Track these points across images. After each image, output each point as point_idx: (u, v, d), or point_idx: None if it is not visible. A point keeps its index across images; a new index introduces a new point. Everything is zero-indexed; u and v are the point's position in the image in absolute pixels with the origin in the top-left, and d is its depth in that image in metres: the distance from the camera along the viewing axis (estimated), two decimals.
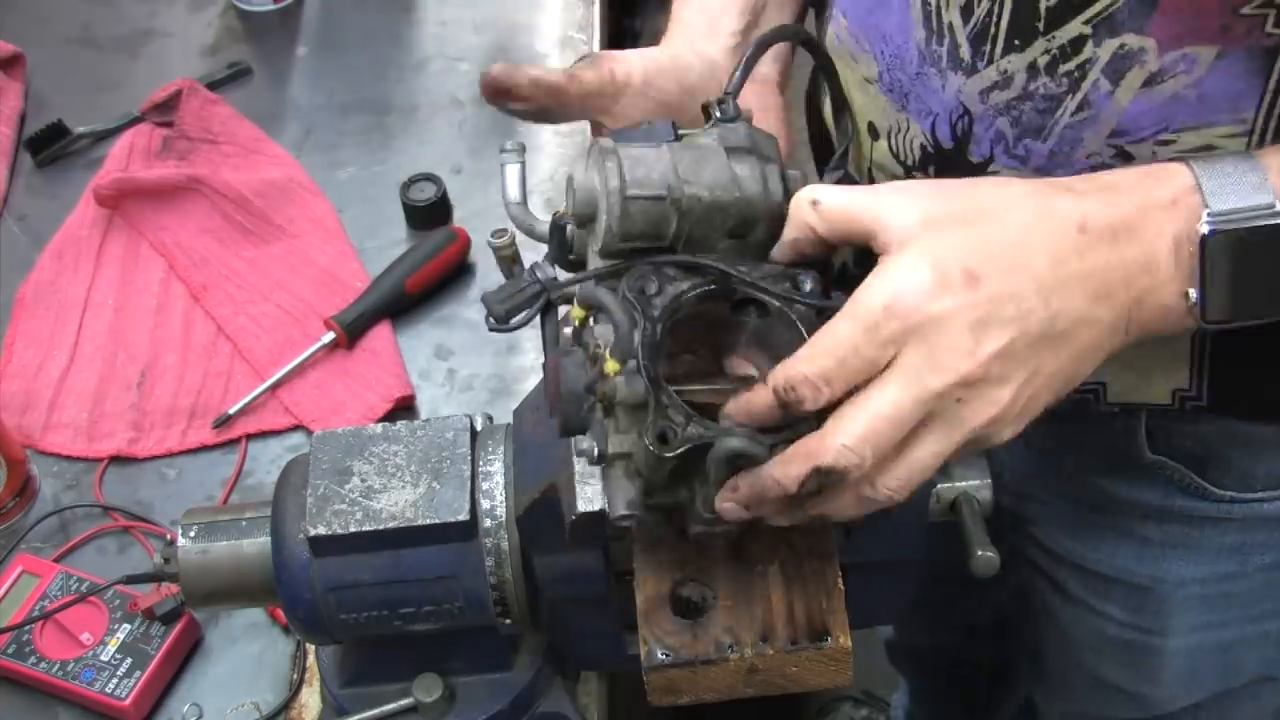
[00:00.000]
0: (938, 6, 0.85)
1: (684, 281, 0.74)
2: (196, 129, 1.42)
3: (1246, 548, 1.02)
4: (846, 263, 0.77)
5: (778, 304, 0.74)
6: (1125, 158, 0.82)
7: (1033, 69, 0.82)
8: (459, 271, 1.32)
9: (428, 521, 0.83)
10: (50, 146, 1.44)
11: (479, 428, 0.89)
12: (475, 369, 1.26)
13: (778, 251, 0.76)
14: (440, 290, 1.31)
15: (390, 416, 1.19)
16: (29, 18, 1.59)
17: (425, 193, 1.36)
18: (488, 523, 0.84)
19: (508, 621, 0.86)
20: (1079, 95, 0.81)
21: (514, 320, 0.79)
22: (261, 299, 1.29)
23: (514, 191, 0.87)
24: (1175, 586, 1.06)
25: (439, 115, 1.47)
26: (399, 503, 0.83)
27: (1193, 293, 0.73)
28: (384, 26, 1.57)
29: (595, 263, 0.77)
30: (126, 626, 1.05)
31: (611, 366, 0.70)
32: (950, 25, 0.85)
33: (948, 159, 0.90)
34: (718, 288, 0.75)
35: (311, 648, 1.03)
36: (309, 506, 0.84)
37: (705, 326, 0.77)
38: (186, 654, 1.07)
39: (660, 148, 0.76)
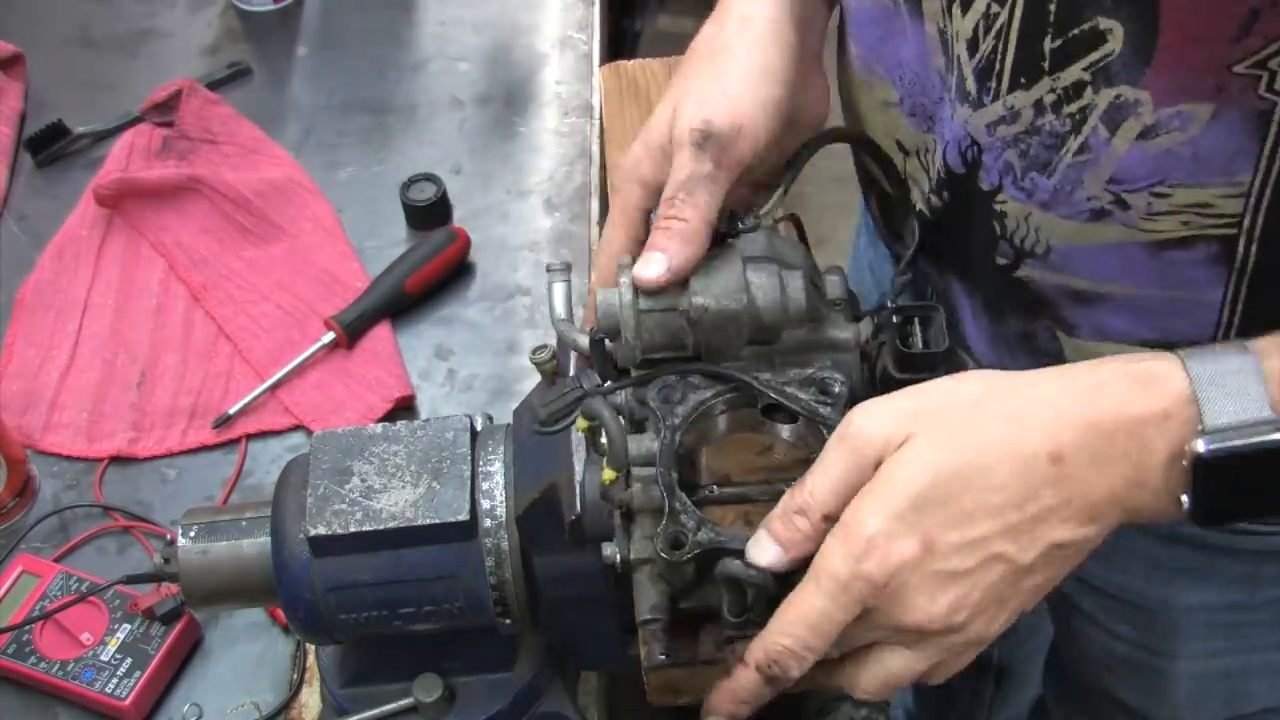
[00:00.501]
0: (950, 37, 0.85)
1: (707, 390, 0.78)
2: (196, 129, 1.42)
3: (1257, 579, 1.02)
4: (887, 366, 0.78)
5: (803, 412, 0.77)
6: (1122, 205, 0.81)
7: (1039, 106, 0.82)
8: (459, 272, 1.32)
9: (428, 521, 0.83)
10: (50, 146, 1.43)
11: (479, 428, 0.89)
12: (475, 369, 1.26)
13: (780, 566, 0.75)
14: (440, 290, 1.31)
15: (390, 416, 1.19)
16: (29, 18, 1.59)
17: (425, 193, 1.36)
18: (488, 523, 0.84)
19: (508, 621, 0.86)
20: (1080, 138, 0.81)
21: (558, 425, 0.82)
22: (261, 299, 1.29)
23: (561, 309, 0.89)
24: (1183, 612, 1.06)
25: (439, 115, 1.47)
26: (399, 503, 0.83)
27: (1185, 500, 0.72)
28: (384, 26, 1.57)
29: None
30: (126, 626, 1.05)
31: (607, 475, 0.75)
32: (958, 58, 0.85)
33: (959, 184, 0.90)
34: (741, 394, 0.78)
35: (311, 648, 1.03)
36: (309, 506, 0.84)
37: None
38: (186, 654, 1.07)
39: None
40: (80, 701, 1.03)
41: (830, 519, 0.73)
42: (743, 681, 0.75)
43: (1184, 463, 0.71)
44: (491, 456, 0.86)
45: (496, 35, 1.55)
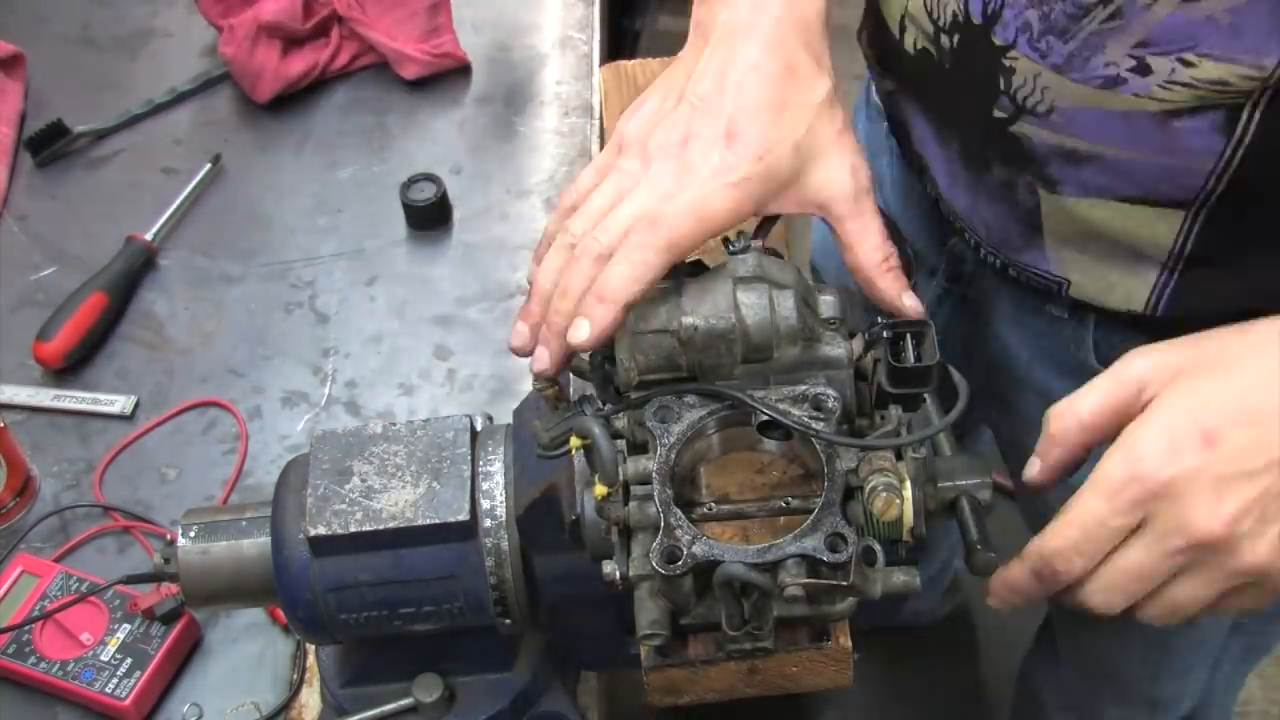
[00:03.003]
0: None
1: (702, 409, 0.79)
2: None
3: None
4: (881, 383, 0.79)
5: (796, 428, 0.77)
6: (1143, 70, 0.82)
7: None
8: (459, 272, 1.32)
9: (428, 521, 0.83)
10: (50, 146, 1.43)
11: (479, 428, 0.89)
12: (475, 369, 1.26)
13: (1040, 475, 0.78)
14: (440, 290, 1.31)
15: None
16: (29, 18, 1.58)
17: (425, 193, 1.36)
18: (488, 523, 0.84)
19: (508, 621, 0.86)
20: (1111, 6, 0.82)
21: (560, 449, 0.82)
22: None
23: None
24: None
25: (439, 115, 1.47)
26: (399, 503, 0.83)
27: None
28: None
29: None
30: (126, 626, 1.05)
31: (599, 490, 0.76)
32: None
33: (974, 33, 0.90)
34: (735, 412, 0.79)
35: (311, 648, 1.03)
36: (309, 506, 0.84)
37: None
38: (186, 654, 1.07)
39: (671, 284, 0.81)
40: (80, 701, 1.03)
41: (1089, 431, 0.74)
42: (1016, 573, 0.76)
43: None
44: (491, 456, 0.86)
45: (496, 35, 1.55)
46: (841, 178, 0.84)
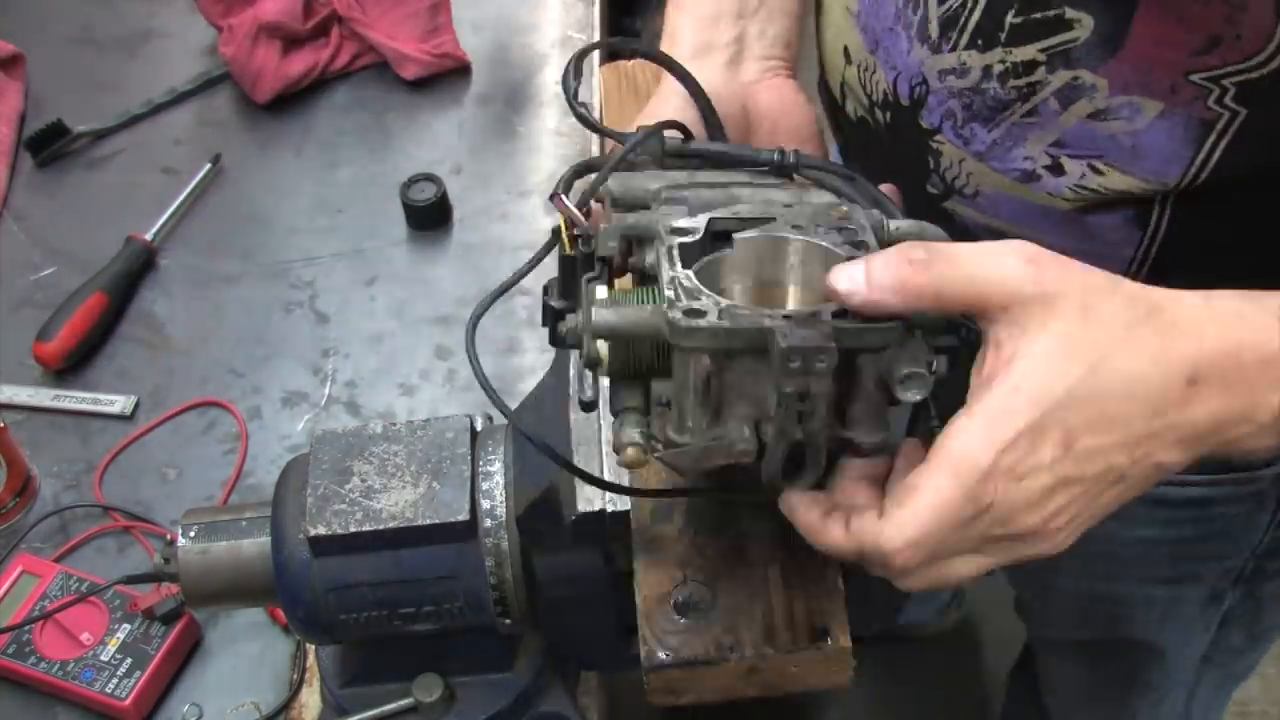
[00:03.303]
0: None
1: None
2: None
3: (1122, 517, 1.04)
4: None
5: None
6: (1058, 170, 0.84)
7: (988, 72, 0.84)
8: (459, 272, 1.32)
9: (428, 521, 0.83)
10: (50, 146, 1.43)
11: (479, 428, 0.89)
12: None
13: (851, 299, 0.66)
14: (440, 290, 1.31)
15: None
16: (29, 18, 1.58)
17: (425, 193, 1.36)
18: (488, 523, 0.84)
19: (508, 621, 0.86)
20: (1028, 105, 0.83)
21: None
22: None
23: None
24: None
25: (439, 115, 1.47)
26: (399, 503, 0.83)
27: None
28: None
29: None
30: (126, 626, 1.05)
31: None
32: (927, 0, 0.86)
33: (903, 113, 0.91)
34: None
35: (311, 648, 1.03)
36: (309, 506, 0.84)
37: None
38: (186, 654, 1.07)
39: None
40: (80, 701, 1.03)
41: (952, 288, 0.66)
42: (835, 542, 0.69)
43: None
44: (491, 456, 0.86)
45: (496, 35, 1.55)
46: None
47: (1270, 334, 0.70)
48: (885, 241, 0.70)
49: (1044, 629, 1.41)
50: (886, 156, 0.97)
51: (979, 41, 0.84)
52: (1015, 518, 0.67)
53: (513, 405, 0.90)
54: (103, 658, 1.04)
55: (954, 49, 0.85)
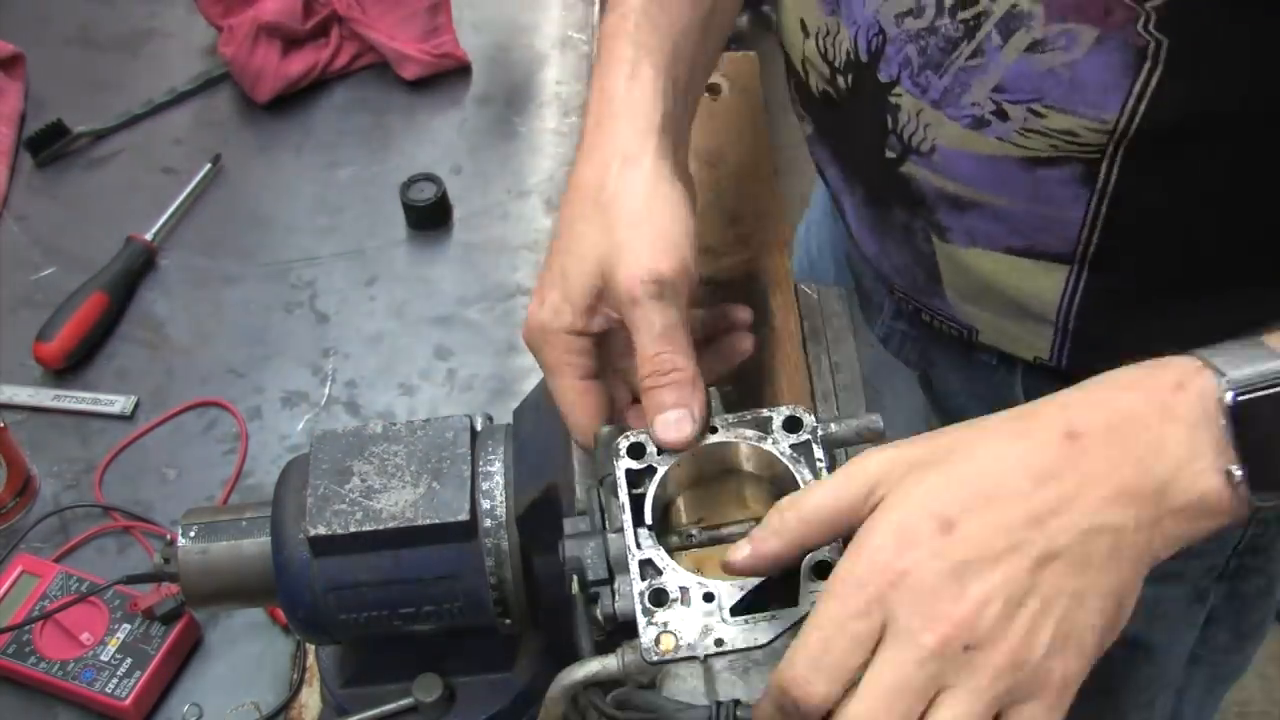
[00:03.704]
0: None
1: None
2: None
3: None
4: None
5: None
6: (1002, 115, 0.84)
7: (940, 6, 0.85)
8: (459, 272, 1.32)
9: (428, 521, 0.83)
10: (50, 146, 1.43)
11: (479, 428, 0.89)
12: (475, 369, 1.26)
13: (745, 561, 0.71)
14: (440, 290, 1.31)
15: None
16: (29, 18, 1.58)
17: (425, 193, 1.36)
18: (488, 523, 0.84)
19: (508, 621, 0.86)
20: (974, 42, 0.84)
21: None
22: None
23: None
24: None
25: (439, 115, 1.47)
26: (399, 503, 0.83)
27: (1236, 469, 0.66)
28: None
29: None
30: (126, 626, 1.05)
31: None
32: None
33: (862, 71, 0.92)
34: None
35: (311, 648, 1.03)
36: (309, 506, 0.84)
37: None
38: (186, 654, 1.07)
39: None
40: (80, 701, 1.03)
41: (809, 526, 0.69)
42: (760, 714, 0.68)
43: (1215, 427, 0.66)
44: (491, 456, 0.86)
45: (496, 35, 1.55)
46: (616, 288, 0.82)
47: (1140, 376, 0.69)
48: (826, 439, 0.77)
49: None
50: (847, 126, 0.97)
51: None
52: (932, 615, 0.64)
53: (513, 405, 0.90)
54: (103, 658, 1.04)
55: None
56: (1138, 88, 0.80)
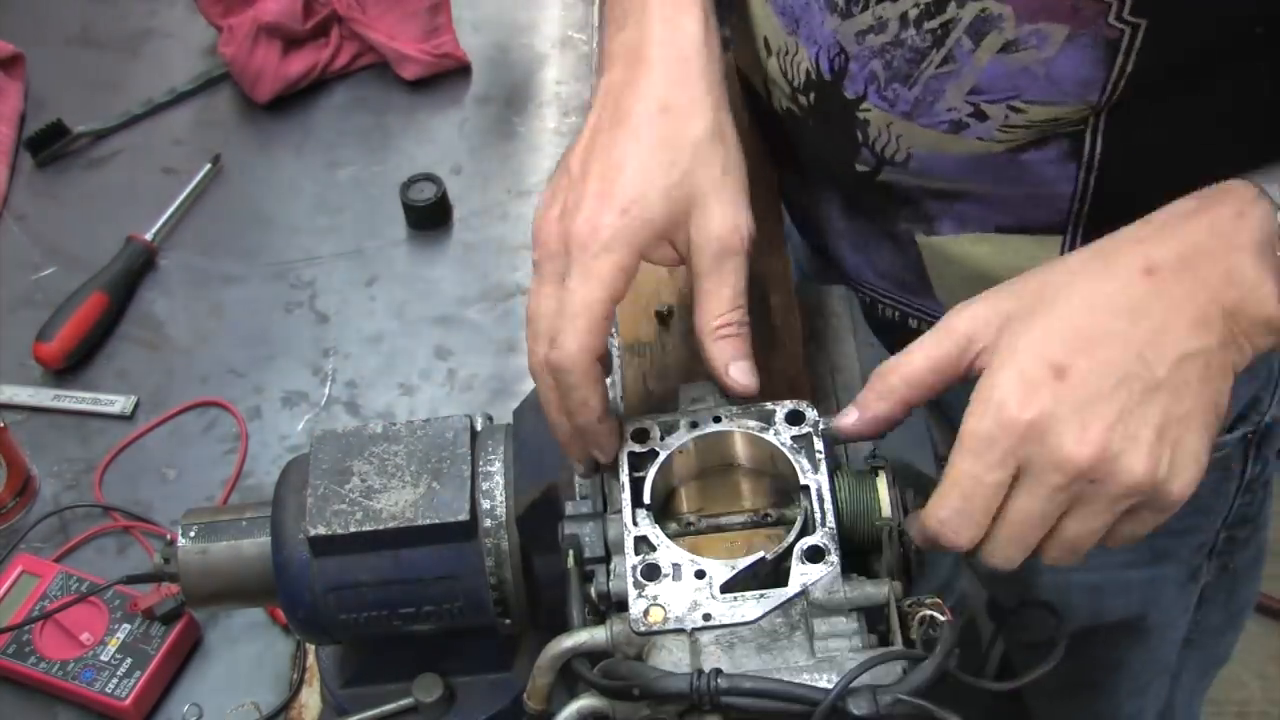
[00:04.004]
0: None
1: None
2: None
3: None
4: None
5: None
6: (980, 116, 0.85)
7: (904, 19, 0.85)
8: (459, 272, 1.32)
9: (427, 521, 0.83)
10: (50, 146, 1.43)
11: (479, 428, 0.89)
12: (475, 369, 1.26)
13: (855, 425, 0.76)
14: (440, 290, 1.31)
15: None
16: (29, 18, 1.58)
17: (425, 193, 1.36)
18: (488, 523, 0.84)
19: (508, 621, 0.86)
20: (944, 50, 0.84)
21: None
22: None
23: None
24: None
25: (439, 115, 1.47)
26: (399, 503, 0.83)
27: None
28: None
29: None
30: (126, 626, 1.05)
31: None
32: None
33: (826, 90, 0.92)
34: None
35: (311, 648, 1.03)
36: (309, 506, 0.84)
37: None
38: (186, 654, 1.07)
39: None
40: (80, 701, 1.03)
41: (912, 387, 0.74)
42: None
43: (1277, 250, 0.71)
44: (491, 456, 0.86)
45: (496, 35, 1.55)
46: (709, 230, 0.81)
47: (1203, 207, 0.73)
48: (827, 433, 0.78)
49: (1022, 632, 1.40)
50: (814, 142, 0.96)
51: None
52: (1061, 457, 0.69)
53: (513, 405, 0.90)
54: (103, 658, 1.04)
55: (865, 8, 0.86)
56: (1114, 74, 0.80)
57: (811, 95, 0.93)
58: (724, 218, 0.81)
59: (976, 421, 0.71)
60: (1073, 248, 0.90)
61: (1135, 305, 0.71)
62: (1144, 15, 0.77)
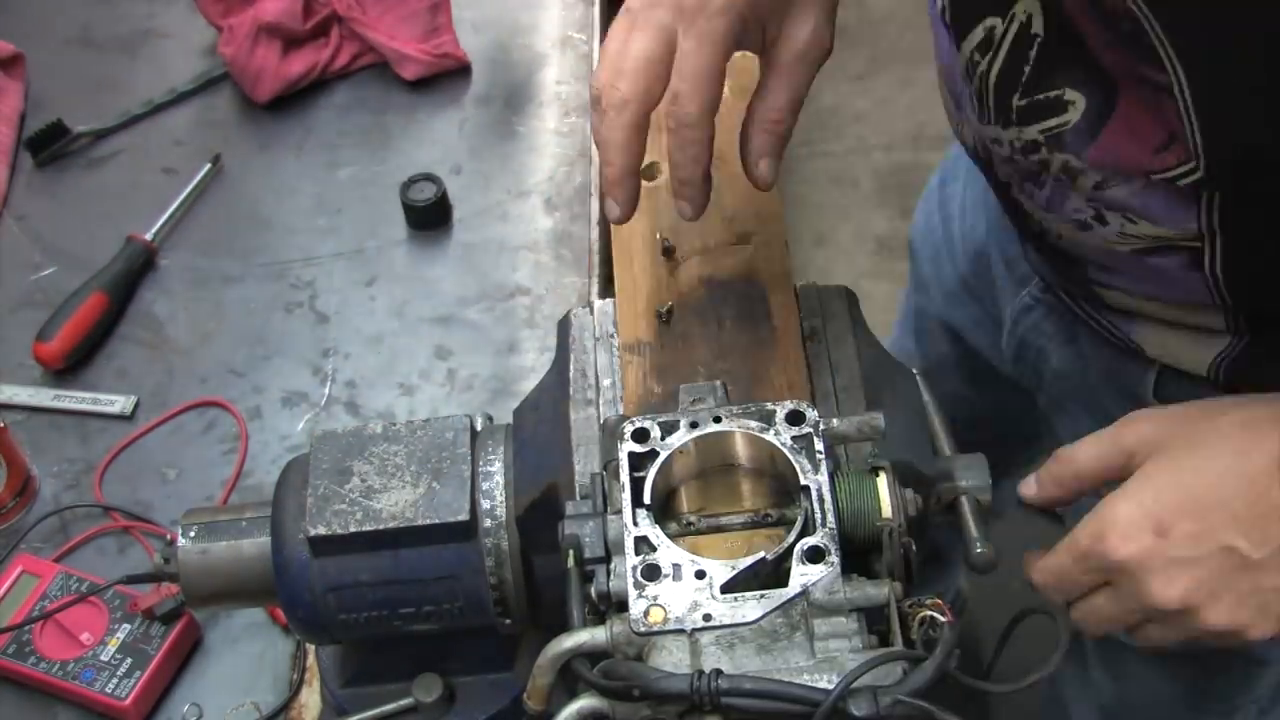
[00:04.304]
0: (962, 53, 0.91)
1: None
2: None
3: None
4: None
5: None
6: (1102, 220, 0.89)
7: (1012, 145, 0.90)
8: (459, 272, 1.32)
9: (427, 521, 0.83)
10: (50, 146, 1.43)
11: (479, 428, 0.89)
12: (475, 369, 1.26)
13: (1032, 497, 0.87)
14: (440, 290, 1.31)
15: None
16: (29, 18, 1.58)
17: (425, 193, 1.36)
18: (488, 523, 0.84)
19: (508, 621, 0.86)
20: (1051, 173, 0.89)
21: None
22: None
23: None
24: None
25: (439, 115, 1.47)
26: (399, 503, 0.83)
27: None
28: None
29: None
30: (126, 626, 1.05)
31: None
32: (975, 73, 0.91)
33: (984, 168, 0.99)
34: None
35: (311, 648, 1.03)
36: (309, 506, 0.84)
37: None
38: (186, 654, 1.07)
39: None
40: (80, 701, 1.03)
41: (1081, 480, 0.83)
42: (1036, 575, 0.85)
43: None
44: (491, 456, 0.86)
45: (496, 35, 1.55)
46: (798, 32, 0.85)
47: None
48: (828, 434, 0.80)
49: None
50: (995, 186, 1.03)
51: (1000, 119, 0.90)
52: (1146, 597, 0.79)
53: (513, 405, 0.90)
54: (103, 658, 1.04)
55: (989, 122, 0.92)
56: (1203, 211, 0.84)
57: (978, 164, 1.00)
58: (815, 25, 0.85)
59: (1083, 534, 0.80)
60: (1236, 319, 0.93)
61: (1259, 489, 0.77)
62: (1214, 187, 0.81)
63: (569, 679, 0.74)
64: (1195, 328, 0.96)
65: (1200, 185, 0.81)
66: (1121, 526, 0.79)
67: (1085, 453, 0.84)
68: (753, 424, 0.79)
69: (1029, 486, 0.87)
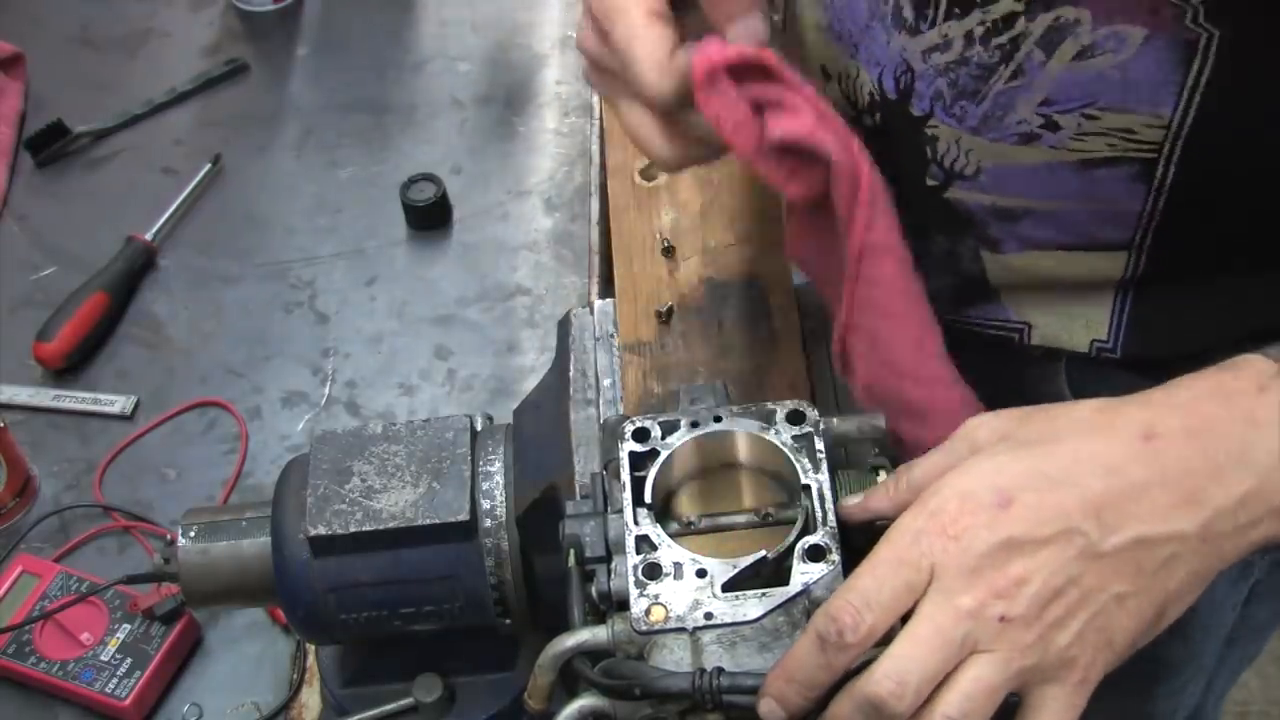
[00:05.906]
0: None
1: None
2: None
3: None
4: None
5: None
6: (1052, 127, 0.84)
7: (969, 37, 0.84)
8: (459, 272, 1.32)
9: (428, 521, 0.83)
10: (50, 146, 1.43)
11: (479, 428, 0.89)
12: (475, 369, 1.26)
13: (857, 510, 0.75)
14: (440, 290, 1.31)
15: None
16: (29, 18, 1.58)
17: (425, 193, 1.36)
18: (488, 523, 0.84)
19: (508, 621, 0.86)
20: (1012, 65, 0.83)
21: None
22: None
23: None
24: None
25: (439, 115, 1.47)
26: (399, 503, 0.83)
27: None
28: (384, 26, 1.57)
29: None
30: (126, 626, 1.05)
31: None
32: None
33: (892, 109, 0.92)
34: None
35: (311, 648, 1.03)
36: (309, 506, 0.84)
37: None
38: (186, 654, 1.07)
39: None
40: (80, 701, 1.03)
41: (915, 490, 0.72)
42: (798, 652, 0.68)
43: None
44: (491, 456, 0.86)
45: (496, 35, 1.55)
46: None
47: (1222, 379, 0.70)
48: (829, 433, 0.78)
49: None
50: (881, 161, 0.97)
51: (956, 10, 0.84)
52: (972, 578, 0.66)
53: (513, 405, 0.90)
54: (103, 658, 1.04)
55: (932, 25, 0.86)
56: (1190, 80, 0.79)
57: (877, 115, 0.93)
58: None
59: (910, 518, 0.68)
60: (1139, 263, 0.89)
61: (1115, 465, 0.68)
62: (1216, 25, 0.76)
63: (570, 678, 0.74)
64: (1088, 285, 0.92)
65: (1210, 8, 0.75)
66: (961, 498, 0.67)
67: (925, 460, 0.73)
68: (753, 424, 0.79)
69: (853, 498, 0.75)
